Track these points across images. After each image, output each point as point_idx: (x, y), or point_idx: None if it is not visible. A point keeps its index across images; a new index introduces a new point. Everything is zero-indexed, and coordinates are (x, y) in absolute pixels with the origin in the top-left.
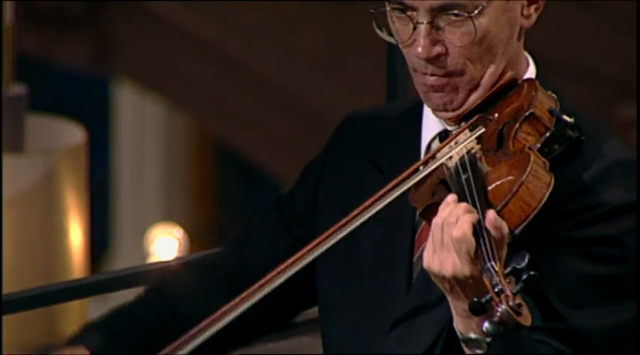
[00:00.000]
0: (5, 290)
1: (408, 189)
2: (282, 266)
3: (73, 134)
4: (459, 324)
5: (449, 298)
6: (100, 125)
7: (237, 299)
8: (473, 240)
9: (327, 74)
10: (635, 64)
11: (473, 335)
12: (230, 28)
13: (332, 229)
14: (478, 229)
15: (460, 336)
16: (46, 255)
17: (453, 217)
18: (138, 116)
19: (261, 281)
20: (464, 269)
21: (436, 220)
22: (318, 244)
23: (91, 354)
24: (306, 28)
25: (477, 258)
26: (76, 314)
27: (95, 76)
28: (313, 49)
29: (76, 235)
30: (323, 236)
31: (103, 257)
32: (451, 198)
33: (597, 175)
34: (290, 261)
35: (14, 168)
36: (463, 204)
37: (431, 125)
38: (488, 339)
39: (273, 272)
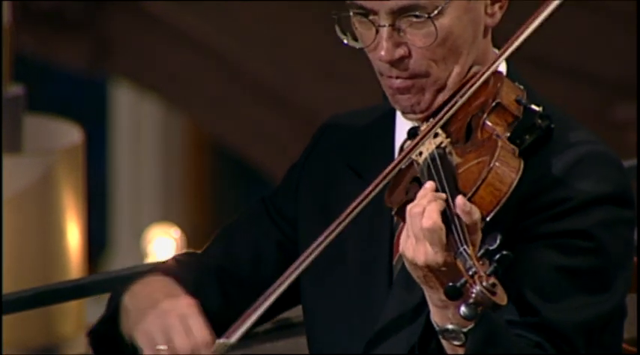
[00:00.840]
0: (3, 291)
1: (381, 190)
2: (278, 282)
3: (70, 134)
4: (435, 316)
5: (424, 289)
6: (98, 125)
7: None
8: (443, 227)
9: (325, 75)
10: (633, 65)
11: (450, 326)
12: (228, 29)
13: (322, 236)
14: (449, 216)
15: (437, 328)
16: (44, 255)
17: (420, 207)
18: (135, 116)
19: (260, 300)
20: (436, 257)
21: (409, 208)
22: (313, 250)
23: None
24: (304, 28)
25: (449, 243)
26: (74, 314)
27: (93, 76)
28: (311, 50)
29: (73, 235)
30: (315, 242)
31: (100, 257)
32: (429, 185)
33: (568, 168)
34: (284, 275)
35: (12, 169)
36: (429, 194)
37: (404, 126)
38: (465, 329)
39: (273, 287)
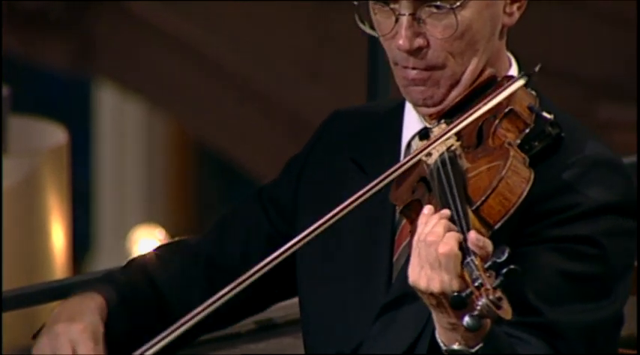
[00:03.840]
0: None
1: (386, 187)
2: (262, 263)
3: (55, 135)
4: (442, 336)
5: (433, 312)
6: (81, 126)
7: (215, 297)
8: (459, 254)
9: (309, 75)
10: (616, 64)
11: (457, 347)
12: (212, 30)
13: (313, 226)
14: (457, 227)
15: (443, 347)
16: (28, 256)
17: (435, 236)
18: (119, 117)
19: (241, 278)
20: (452, 283)
21: (418, 237)
22: (298, 241)
23: (106, 302)
24: (288, 29)
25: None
26: None
27: (77, 77)
28: (295, 51)
29: (58, 236)
30: (304, 232)
31: (84, 258)
32: (427, 209)
33: (577, 175)
34: (270, 257)
35: None
36: (443, 221)
37: (412, 123)
38: (473, 350)
39: (254, 269)
